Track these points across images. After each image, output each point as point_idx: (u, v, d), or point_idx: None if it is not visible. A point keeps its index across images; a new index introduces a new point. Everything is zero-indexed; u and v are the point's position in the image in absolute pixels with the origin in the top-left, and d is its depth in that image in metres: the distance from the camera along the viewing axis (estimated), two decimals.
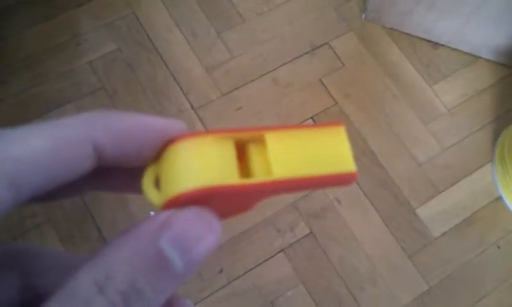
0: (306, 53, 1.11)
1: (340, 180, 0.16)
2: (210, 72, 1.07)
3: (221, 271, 0.90)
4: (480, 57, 1.14)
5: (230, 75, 1.07)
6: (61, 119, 0.15)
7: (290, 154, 0.17)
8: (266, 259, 0.92)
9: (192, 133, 0.17)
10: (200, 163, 0.16)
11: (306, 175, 0.16)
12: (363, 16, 1.15)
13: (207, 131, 0.17)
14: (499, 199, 1.01)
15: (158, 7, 1.13)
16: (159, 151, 0.17)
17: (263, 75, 1.08)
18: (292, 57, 1.10)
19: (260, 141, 0.17)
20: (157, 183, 0.17)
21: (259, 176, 0.17)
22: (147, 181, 0.17)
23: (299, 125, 0.17)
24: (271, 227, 0.95)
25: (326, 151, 0.17)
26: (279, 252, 0.93)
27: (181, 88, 1.05)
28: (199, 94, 1.05)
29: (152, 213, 0.16)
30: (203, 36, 1.11)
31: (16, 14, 1.10)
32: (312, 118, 1.04)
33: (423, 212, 0.98)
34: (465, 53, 1.14)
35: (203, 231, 0.15)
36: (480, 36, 1.09)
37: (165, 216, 0.15)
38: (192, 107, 1.04)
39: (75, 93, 1.03)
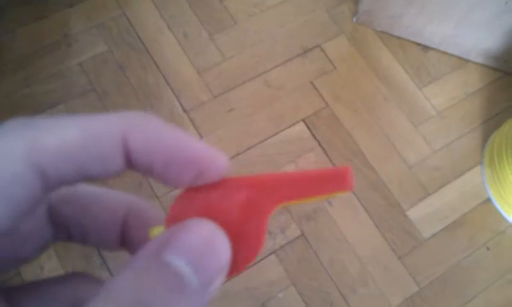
0: (297, 55, 1.11)
1: (334, 175, 0.16)
2: (201, 74, 1.07)
3: None
4: (470, 61, 1.15)
5: (221, 77, 1.07)
6: (95, 114, 0.15)
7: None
8: (257, 261, 0.92)
9: None
10: None
11: (297, 174, 0.16)
12: (354, 19, 1.16)
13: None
14: (488, 200, 1.02)
15: (149, 9, 1.13)
16: None
17: (255, 77, 1.08)
18: (284, 60, 1.11)
19: None
20: None
21: None
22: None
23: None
24: None
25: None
26: (270, 254, 0.93)
27: (172, 90, 1.05)
28: (190, 97, 1.05)
29: None
30: (195, 37, 1.11)
31: (8, 14, 1.09)
32: (303, 120, 1.04)
33: (413, 213, 0.99)
34: (455, 56, 1.15)
35: (209, 236, 0.14)
36: (470, 39, 1.10)
37: (165, 235, 0.14)
38: (183, 109, 1.04)
39: (65, 94, 1.03)
